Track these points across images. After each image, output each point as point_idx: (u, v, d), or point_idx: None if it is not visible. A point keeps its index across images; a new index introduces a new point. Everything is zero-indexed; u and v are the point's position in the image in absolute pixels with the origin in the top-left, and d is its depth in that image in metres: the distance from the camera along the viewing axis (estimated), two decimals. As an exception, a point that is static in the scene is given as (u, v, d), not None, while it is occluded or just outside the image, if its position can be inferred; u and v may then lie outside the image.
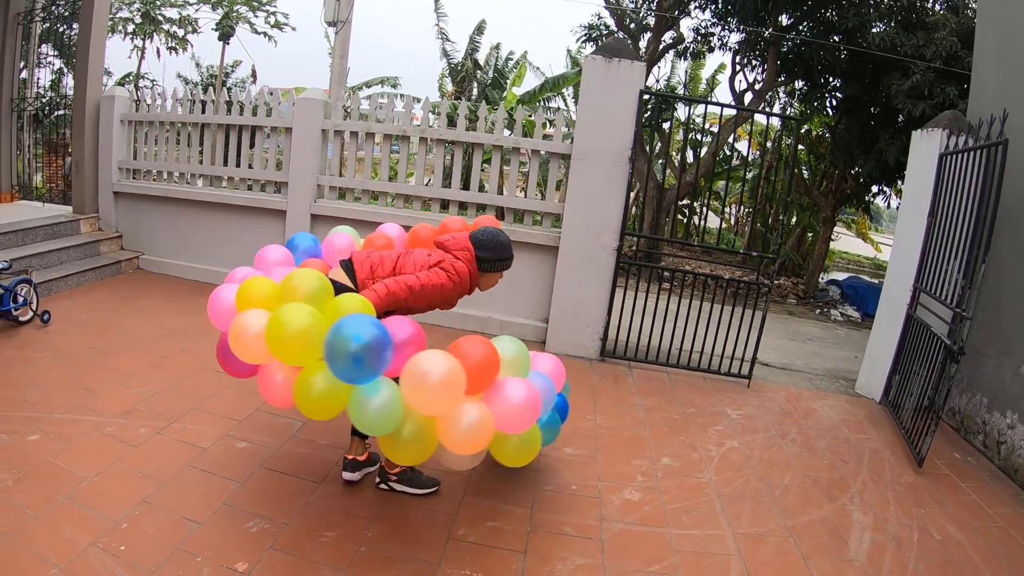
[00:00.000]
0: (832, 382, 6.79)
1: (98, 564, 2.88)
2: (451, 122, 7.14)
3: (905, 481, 4.58)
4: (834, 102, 13.10)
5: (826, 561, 3.51)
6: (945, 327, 5.24)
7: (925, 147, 6.01)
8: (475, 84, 18.71)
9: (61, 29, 13.16)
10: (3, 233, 6.78)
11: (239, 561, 3.01)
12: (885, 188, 14.01)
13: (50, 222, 7.48)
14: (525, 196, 7.11)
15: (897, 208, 16.96)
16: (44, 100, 10.24)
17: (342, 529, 3.36)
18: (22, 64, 8.80)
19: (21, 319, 5.65)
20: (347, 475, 3.73)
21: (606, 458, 4.47)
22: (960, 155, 5.35)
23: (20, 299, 5.61)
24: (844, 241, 24.93)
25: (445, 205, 7.25)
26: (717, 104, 8.94)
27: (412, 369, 2.96)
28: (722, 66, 18.15)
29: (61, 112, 10.83)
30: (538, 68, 20.03)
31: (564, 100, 19.85)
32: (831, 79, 12.49)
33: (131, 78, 21.26)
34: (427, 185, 7.38)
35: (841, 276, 16.32)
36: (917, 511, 4.17)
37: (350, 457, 3.75)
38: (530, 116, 6.98)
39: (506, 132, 6.95)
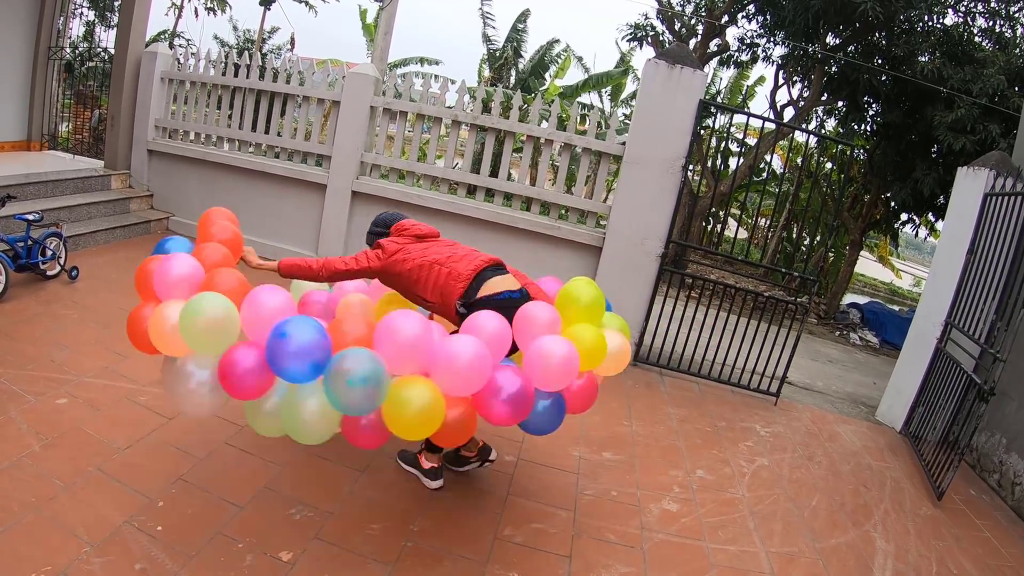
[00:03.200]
0: (853, 407, 6.75)
1: (133, 544, 2.70)
2: (485, 108, 6.93)
3: (924, 513, 4.54)
4: (873, 126, 12.92)
5: None
6: (974, 364, 5.18)
7: (970, 185, 5.92)
8: (513, 72, 18.49)
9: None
10: (34, 183, 6.61)
11: (283, 550, 2.85)
12: (915, 217, 13.84)
13: (81, 175, 7.30)
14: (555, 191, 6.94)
15: (924, 238, 16.88)
16: (79, 51, 10.05)
17: (388, 522, 3.21)
18: (59, 15, 8.59)
19: (49, 273, 5.49)
20: (435, 484, 3.65)
21: (643, 466, 4.41)
22: (1006, 198, 5.32)
23: (49, 252, 5.44)
24: (860, 263, 24.84)
25: (472, 190, 7.08)
26: (775, 122, 8.70)
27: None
28: (761, 78, 17.97)
29: (92, 64, 10.66)
30: (581, 60, 19.81)
31: (600, 97, 19.65)
32: (873, 103, 12.31)
33: (165, 36, 20.94)
34: (456, 169, 7.18)
35: (857, 299, 16.17)
36: (936, 544, 4.13)
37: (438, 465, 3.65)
38: (567, 110, 6.76)
39: (544, 124, 6.74)
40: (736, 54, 13.66)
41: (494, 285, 3.29)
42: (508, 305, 3.22)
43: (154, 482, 3.12)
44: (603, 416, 5.07)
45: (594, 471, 4.18)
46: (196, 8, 20.35)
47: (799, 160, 16.50)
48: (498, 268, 3.42)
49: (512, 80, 18.38)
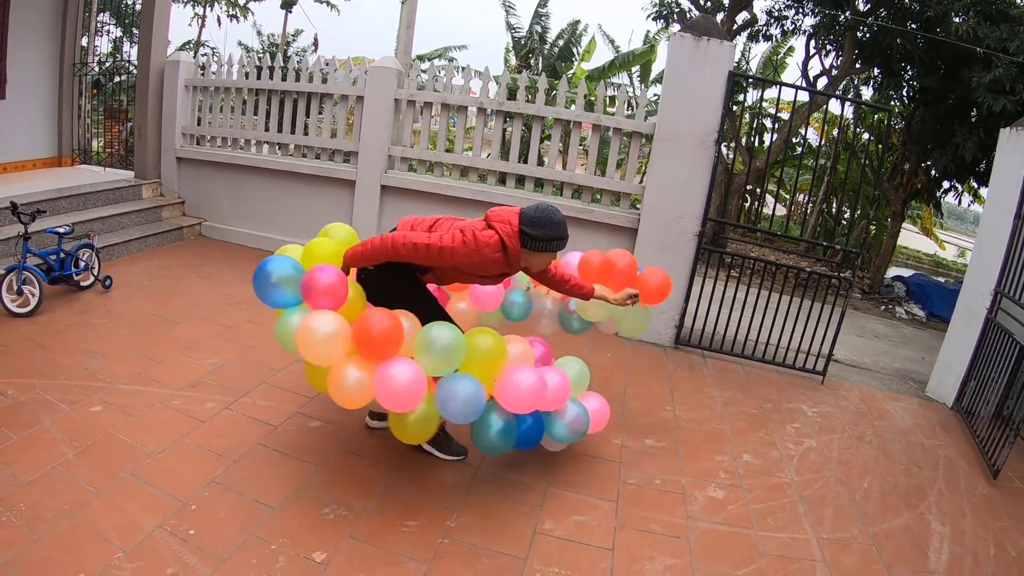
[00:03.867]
0: (902, 383, 6.50)
1: (165, 548, 2.66)
2: (511, 94, 6.83)
3: (980, 492, 4.34)
4: (910, 92, 12.55)
5: (908, 572, 3.33)
6: None
7: (1014, 147, 5.65)
8: (540, 58, 18.36)
9: (120, -2, 13.08)
10: (66, 197, 6.68)
11: (316, 550, 2.79)
12: (957, 184, 13.44)
13: (112, 186, 7.35)
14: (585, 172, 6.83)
15: (968, 206, 16.43)
16: (105, 66, 10.15)
17: (424, 519, 3.13)
18: (83, 33, 8.68)
19: (82, 284, 5.53)
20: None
21: (687, 452, 4.27)
22: None
23: (82, 264, 5.47)
24: (902, 236, 24.37)
25: (503, 179, 7.00)
26: (808, 90, 8.44)
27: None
28: (791, 49, 17.54)
29: (121, 79, 10.76)
30: (611, 40, 19.59)
31: (630, 77, 19.41)
32: (908, 68, 11.93)
33: (191, 46, 21.15)
34: (487, 157, 7.10)
35: (902, 272, 15.79)
36: (993, 524, 3.94)
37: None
38: (595, 91, 6.64)
39: (572, 107, 6.62)
40: (764, 27, 13.35)
41: None
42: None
43: (187, 486, 3.08)
44: (645, 402, 4.95)
45: (637, 459, 4.06)
46: (219, 16, 20.52)
47: (835, 132, 16.10)
48: None
49: (540, 66, 18.24)
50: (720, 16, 13.75)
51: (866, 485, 4.19)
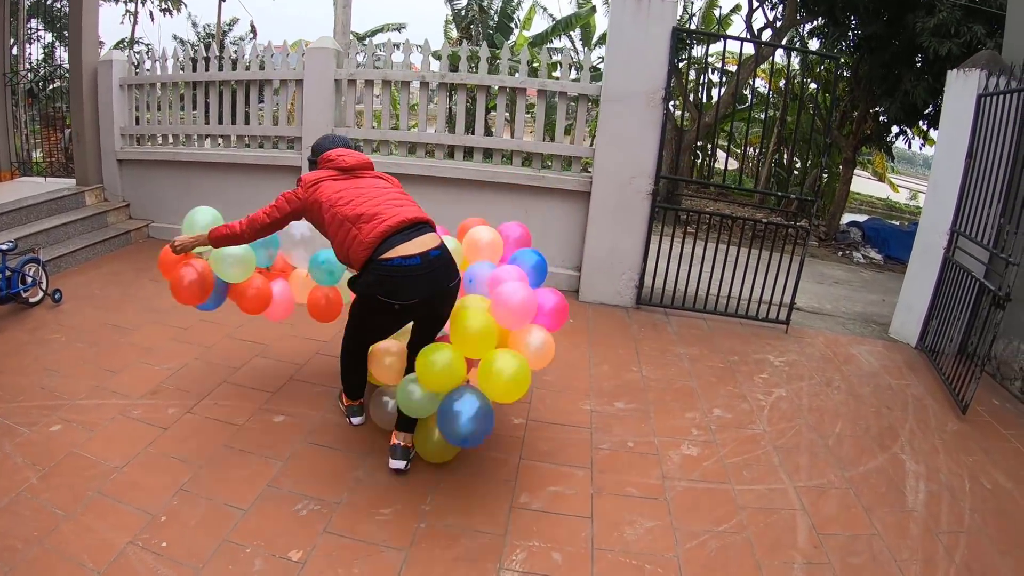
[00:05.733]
0: (865, 326, 6.64)
1: (139, 564, 2.61)
2: (453, 67, 6.75)
3: (951, 429, 4.45)
4: (855, 41, 12.63)
5: (888, 513, 3.39)
6: (984, 270, 5.13)
7: (962, 88, 5.75)
8: (481, 29, 18.17)
9: (49, 1, 12.70)
10: (6, 212, 6.46)
11: (292, 549, 2.76)
12: (907, 129, 13.58)
13: (53, 196, 7.15)
14: (533, 140, 6.79)
15: (920, 149, 16.65)
16: (38, 74, 9.87)
17: (399, 505, 3.12)
18: (12, 41, 8.41)
19: (31, 300, 5.37)
20: (397, 463, 3.37)
21: (658, 412, 4.31)
22: (1000, 97, 5.20)
23: (29, 280, 5.32)
24: (855, 182, 24.67)
25: (451, 152, 6.97)
26: (754, 42, 8.44)
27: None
28: (738, 7, 17.52)
29: (56, 85, 10.49)
30: (544, 8, 19.47)
31: (571, 40, 19.28)
32: (851, 17, 11.99)
33: (124, 44, 20.59)
34: (434, 132, 7.02)
35: (856, 217, 16.01)
36: (966, 459, 4.04)
37: (401, 444, 3.41)
38: (538, 56, 6.59)
39: (516, 75, 6.57)
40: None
41: (398, 250, 3.02)
42: (401, 274, 3.00)
43: (155, 497, 3.02)
44: (612, 365, 4.98)
45: (607, 423, 4.08)
46: (151, 11, 19.98)
47: (782, 83, 16.18)
48: (417, 227, 3.14)
49: (480, 38, 18.05)
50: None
51: (838, 430, 4.27)
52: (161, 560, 2.63)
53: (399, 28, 20.23)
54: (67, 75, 8.54)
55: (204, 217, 3.89)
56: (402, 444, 3.37)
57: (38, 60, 10.39)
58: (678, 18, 6.07)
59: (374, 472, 3.36)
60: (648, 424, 4.12)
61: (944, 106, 6.07)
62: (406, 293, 3.03)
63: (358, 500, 3.13)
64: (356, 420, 3.78)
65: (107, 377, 4.17)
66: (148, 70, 7.80)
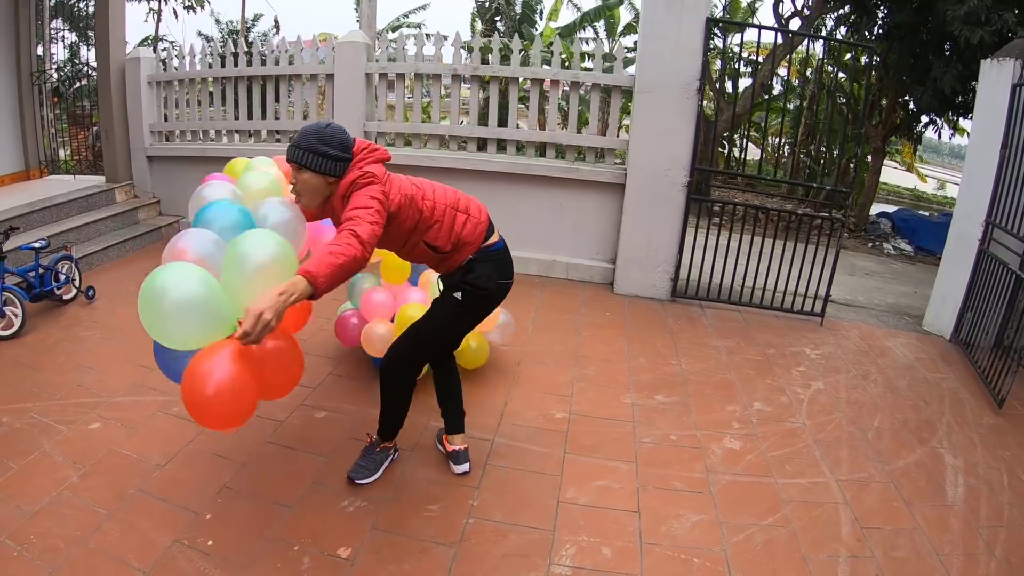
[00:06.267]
0: (898, 319, 6.53)
1: (186, 563, 2.56)
2: (484, 59, 6.67)
3: (987, 423, 4.37)
4: (884, 29, 12.45)
5: (928, 507, 3.34)
6: (1020, 262, 5.00)
7: (996, 77, 5.62)
8: (506, 21, 18.11)
9: (71, 2, 12.75)
10: (38, 210, 6.49)
11: (341, 546, 2.71)
12: (936, 118, 13.36)
13: (84, 194, 7.17)
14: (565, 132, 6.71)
15: (950, 138, 16.41)
16: (64, 73, 9.91)
17: (445, 501, 3.06)
18: (37, 42, 8.45)
19: (65, 297, 5.37)
20: (461, 468, 3.28)
21: (698, 405, 4.25)
22: None
23: (62, 277, 5.32)
24: (882, 172, 24.44)
25: (483, 145, 6.85)
26: (786, 31, 8.31)
27: None
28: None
29: (81, 84, 10.53)
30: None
31: (596, 32, 19.16)
32: (880, 5, 11.81)
33: (149, 42, 20.68)
34: (465, 124, 6.96)
35: (885, 208, 15.82)
36: (1003, 454, 3.97)
37: (463, 448, 3.33)
38: (569, 48, 6.54)
39: (546, 67, 6.49)
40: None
41: (496, 233, 3.03)
42: (508, 257, 3.04)
43: (198, 495, 2.98)
44: (649, 358, 4.91)
45: (650, 416, 4.02)
46: (175, 9, 20.05)
47: (809, 72, 15.99)
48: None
49: (505, 30, 17.98)
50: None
51: (877, 423, 4.21)
52: (208, 559, 2.58)
53: (422, 8, 20.05)
54: (92, 73, 8.57)
55: (266, 249, 2.45)
56: (462, 448, 3.30)
57: (63, 60, 10.42)
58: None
59: (417, 469, 3.31)
60: (689, 417, 4.06)
61: (978, 96, 5.96)
62: (512, 276, 3.03)
63: (404, 497, 3.07)
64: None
65: (144, 374, 4.12)
66: (176, 67, 7.80)
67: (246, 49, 7.35)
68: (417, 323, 3.08)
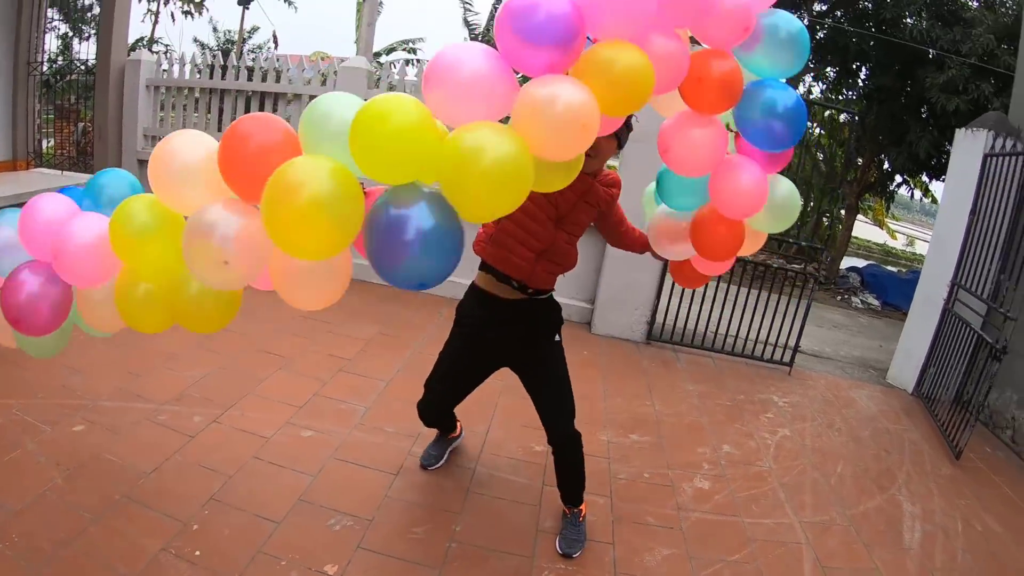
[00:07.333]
0: (863, 371, 6.80)
1: (173, 572, 2.59)
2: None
3: (945, 473, 4.63)
4: (863, 90, 12.85)
5: (886, 551, 3.54)
6: (981, 323, 5.40)
7: (969, 146, 5.97)
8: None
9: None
10: (22, 203, 6.37)
11: (327, 563, 2.76)
12: (908, 179, 13.78)
13: (71, 191, 7.08)
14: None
15: (920, 199, 16.87)
16: (57, 65, 9.86)
17: (429, 524, 3.14)
18: (35, 32, 8.40)
19: (50, 296, 5.32)
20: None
21: (671, 445, 4.39)
22: (1006, 158, 5.43)
23: (49, 274, 5.28)
24: (855, 227, 24.89)
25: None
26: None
27: None
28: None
29: (71, 78, 10.48)
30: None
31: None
32: (863, 67, 12.21)
33: (143, 43, 20.53)
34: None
35: (856, 262, 16.17)
36: (958, 503, 4.21)
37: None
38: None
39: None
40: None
41: None
42: None
43: (186, 505, 3.00)
44: (625, 398, 5.04)
45: (624, 454, 4.15)
46: (172, 13, 20.02)
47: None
48: None
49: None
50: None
51: (840, 470, 4.41)
52: (196, 569, 2.62)
53: (418, 40, 20.15)
54: (83, 68, 8.54)
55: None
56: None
57: (55, 51, 10.35)
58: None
59: (403, 491, 3.37)
60: (663, 456, 4.20)
61: (951, 163, 6.28)
62: None
63: (390, 518, 3.13)
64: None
65: (131, 380, 4.13)
66: (165, 72, 7.83)
67: (248, 64, 7.40)
68: (562, 385, 3.22)
